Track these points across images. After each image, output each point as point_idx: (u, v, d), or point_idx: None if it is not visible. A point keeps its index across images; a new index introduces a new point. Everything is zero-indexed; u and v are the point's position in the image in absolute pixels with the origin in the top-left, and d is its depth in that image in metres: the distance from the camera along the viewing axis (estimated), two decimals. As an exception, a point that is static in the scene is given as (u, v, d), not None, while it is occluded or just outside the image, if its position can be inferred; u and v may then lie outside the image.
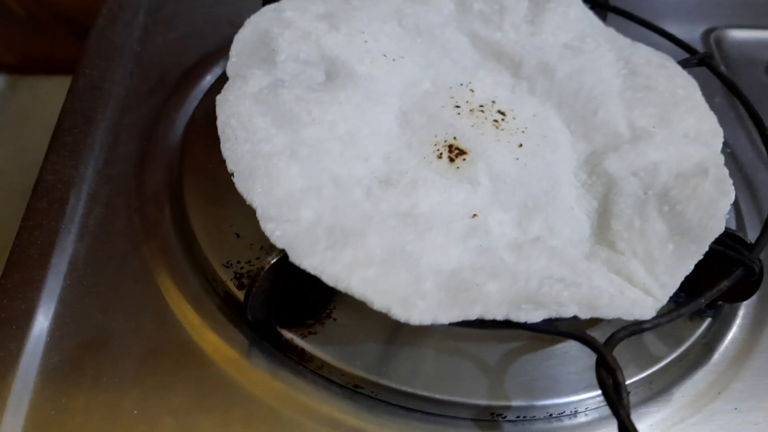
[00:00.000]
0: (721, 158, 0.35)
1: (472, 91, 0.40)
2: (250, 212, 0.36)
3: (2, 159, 0.66)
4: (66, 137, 0.40)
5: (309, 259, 0.29)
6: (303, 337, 0.31)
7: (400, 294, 0.28)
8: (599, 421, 0.31)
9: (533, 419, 0.31)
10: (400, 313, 0.28)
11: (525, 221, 0.33)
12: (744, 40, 0.58)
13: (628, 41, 0.44)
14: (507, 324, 0.28)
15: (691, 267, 0.31)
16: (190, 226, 0.35)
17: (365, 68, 0.39)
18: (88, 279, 0.34)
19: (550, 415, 0.31)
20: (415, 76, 0.40)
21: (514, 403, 0.30)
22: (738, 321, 0.36)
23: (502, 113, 0.39)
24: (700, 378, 0.33)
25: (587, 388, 0.31)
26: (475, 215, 0.33)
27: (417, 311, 0.28)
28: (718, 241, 0.32)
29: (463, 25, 0.44)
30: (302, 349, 0.31)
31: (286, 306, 0.32)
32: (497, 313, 0.28)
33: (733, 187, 0.33)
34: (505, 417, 0.31)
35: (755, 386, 0.33)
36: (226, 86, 0.36)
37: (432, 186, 0.34)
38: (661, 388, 0.33)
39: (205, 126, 0.41)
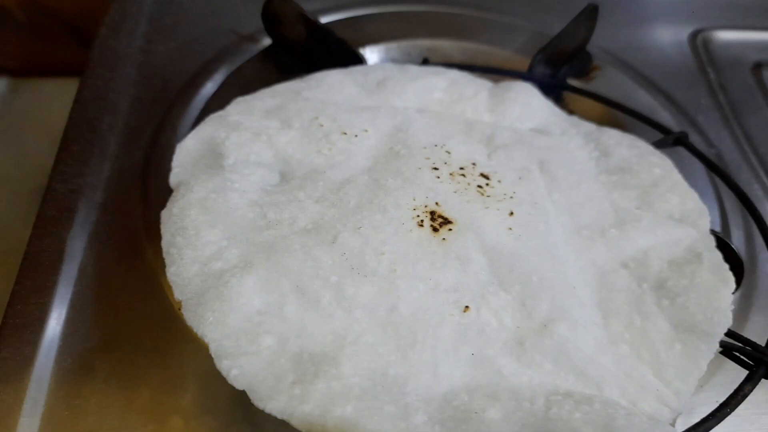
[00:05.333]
0: (712, 240, 0.34)
1: (449, 152, 0.36)
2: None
3: (6, 163, 0.67)
4: (72, 146, 0.41)
5: (274, 400, 0.25)
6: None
7: None
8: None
9: None
10: None
11: (530, 301, 0.29)
12: (730, 42, 0.59)
13: (593, 126, 0.41)
14: None
15: (704, 368, 0.28)
16: (194, 232, 0.36)
17: (324, 158, 0.35)
18: (97, 284, 0.35)
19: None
20: (383, 144, 0.36)
21: None
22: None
23: (486, 177, 0.35)
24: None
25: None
26: (467, 308, 0.29)
27: None
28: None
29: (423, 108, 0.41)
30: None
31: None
32: None
33: (731, 273, 0.31)
34: None
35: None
36: (169, 200, 0.32)
37: (414, 275, 0.29)
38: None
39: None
